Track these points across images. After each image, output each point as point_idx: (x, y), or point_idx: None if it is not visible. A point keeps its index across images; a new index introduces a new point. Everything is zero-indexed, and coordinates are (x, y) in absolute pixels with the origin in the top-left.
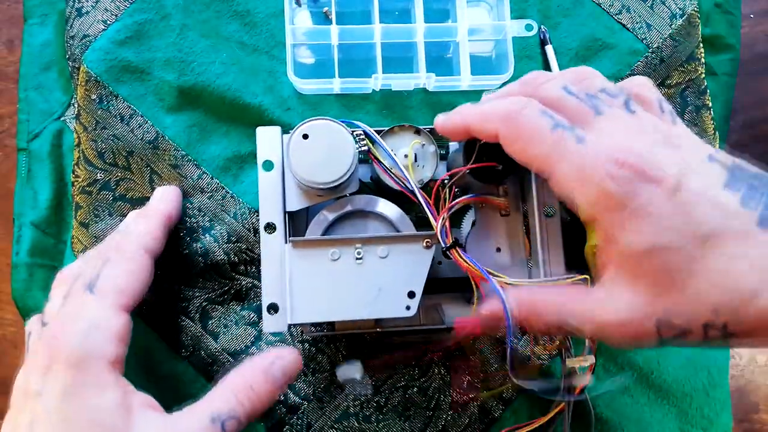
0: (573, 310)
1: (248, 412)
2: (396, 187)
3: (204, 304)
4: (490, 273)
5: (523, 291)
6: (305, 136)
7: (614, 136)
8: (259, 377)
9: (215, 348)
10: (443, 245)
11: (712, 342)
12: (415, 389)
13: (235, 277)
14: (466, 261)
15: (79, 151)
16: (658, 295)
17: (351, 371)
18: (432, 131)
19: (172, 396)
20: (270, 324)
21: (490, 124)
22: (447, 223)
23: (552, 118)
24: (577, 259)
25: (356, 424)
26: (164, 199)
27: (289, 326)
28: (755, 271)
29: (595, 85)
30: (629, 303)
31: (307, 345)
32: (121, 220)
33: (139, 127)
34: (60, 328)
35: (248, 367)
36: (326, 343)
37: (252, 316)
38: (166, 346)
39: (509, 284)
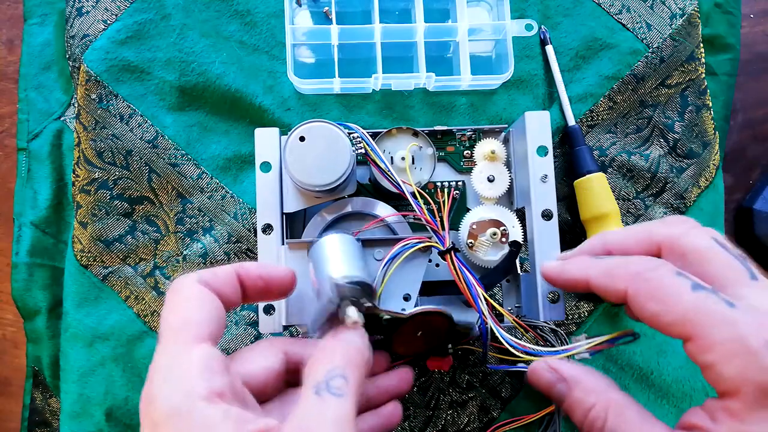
0: None
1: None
2: (393, 189)
3: None
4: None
5: (596, 376)
6: (302, 139)
7: None
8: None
9: None
10: (439, 249)
11: None
12: (415, 389)
13: None
14: (456, 270)
15: (79, 151)
16: None
17: None
18: (430, 133)
19: None
20: (266, 325)
21: (617, 282)
22: (446, 227)
23: (688, 277)
24: None
25: None
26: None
27: (286, 327)
28: None
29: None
30: None
31: None
32: (119, 220)
33: (139, 126)
34: (144, 392)
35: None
36: None
37: (252, 315)
38: None
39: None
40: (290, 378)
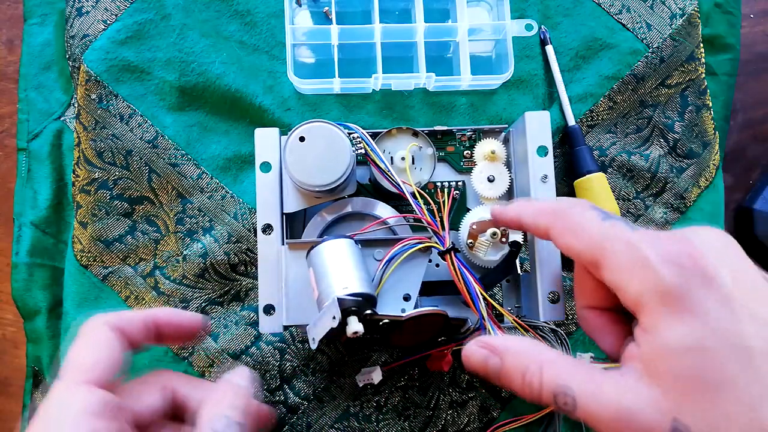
0: (577, 379)
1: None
2: (393, 189)
3: (204, 304)
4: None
5: (525, 341)
6: (302, 139)
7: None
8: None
9: (215, 348)
10: (439, 249)
11: None
12: (415, 389)
13: (235, 277)
14: (456, 270)
15: (79, 151)
16: (682, 398)
17: (371, 375)
18: (430, 133)
19: None
20: (266, 325)
21: (541, 218)
22: (446, 227)
23: (602, 211)
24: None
25: (356, 424)
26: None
27: (286, 327)
28: None
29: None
30: (647, 396)
31: (306, 345)
32: (119, 220)
33: (139, 126)
34: (28, 429)
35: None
36: (326, 343)
37: (252, 316)
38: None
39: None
40: (171, 412)
